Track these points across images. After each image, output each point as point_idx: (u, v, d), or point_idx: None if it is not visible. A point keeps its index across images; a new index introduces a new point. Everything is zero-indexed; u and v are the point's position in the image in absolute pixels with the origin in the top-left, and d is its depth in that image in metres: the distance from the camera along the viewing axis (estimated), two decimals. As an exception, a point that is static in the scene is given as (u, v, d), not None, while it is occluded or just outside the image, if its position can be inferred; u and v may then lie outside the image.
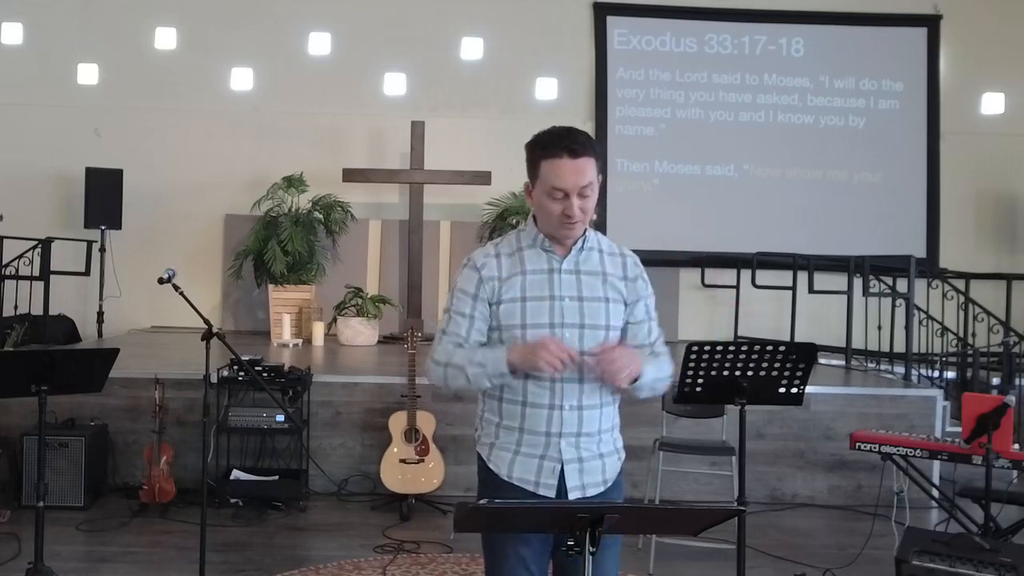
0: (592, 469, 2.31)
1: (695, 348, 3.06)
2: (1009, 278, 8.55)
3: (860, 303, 7.32)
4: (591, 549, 1.92)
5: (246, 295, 9.04)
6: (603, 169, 2.32)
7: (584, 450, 2.30)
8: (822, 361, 7.38)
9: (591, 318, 2.28)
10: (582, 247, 2.33)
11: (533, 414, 2.28)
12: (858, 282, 7.27)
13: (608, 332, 2.30)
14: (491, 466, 2.34)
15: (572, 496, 2.28)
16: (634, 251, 2.45)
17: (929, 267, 8.54)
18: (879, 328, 7.21)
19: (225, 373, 5.29)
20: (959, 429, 4.06)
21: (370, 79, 9.29)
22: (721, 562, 4.39)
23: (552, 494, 2.27)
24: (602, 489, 2.33)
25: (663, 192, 9.36)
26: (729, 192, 9.40)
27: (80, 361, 3.85)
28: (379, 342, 8.19)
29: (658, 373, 2.34)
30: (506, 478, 2.31)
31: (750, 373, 3.07)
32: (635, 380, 2.25)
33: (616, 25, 9.49)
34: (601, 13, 9.49)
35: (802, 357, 3.08)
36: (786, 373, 3.08)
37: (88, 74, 9.11)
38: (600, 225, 8.82)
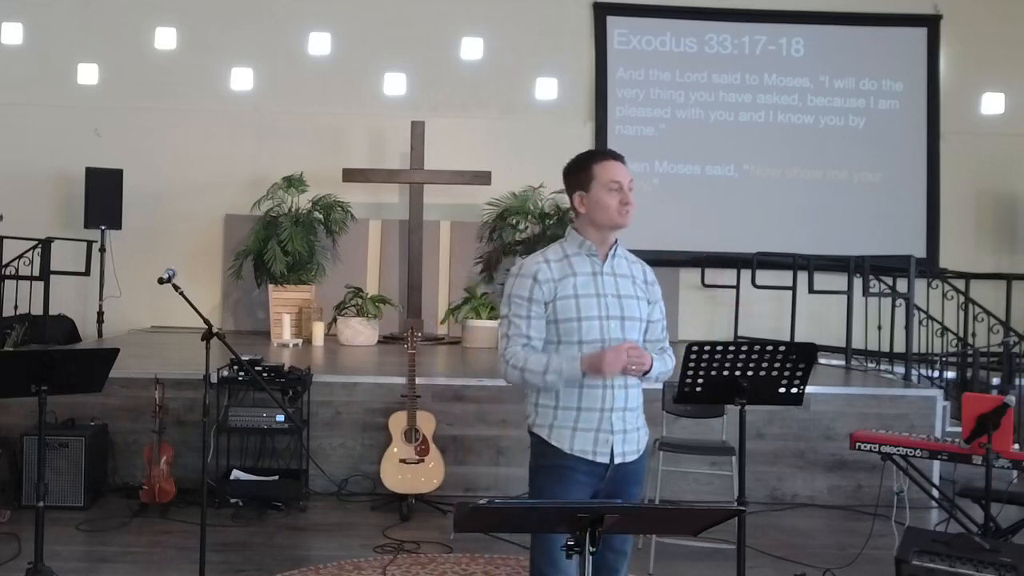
0: (631, 439, 2.74)
1: (695, 348, 3.06)
2: (1009, 278, 8.55)
3: (860, 303, 7.32)
4: (591, 549, 1.93)
5: (246, 295, 9.04)
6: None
7: (628, 423, 2.73)
8: (822, 361, 7.38)
9: (628, 311, 2.73)
10: (614, 254, 2.79)
11: (589, 394, 2.69)
12: (858, 282, 7.27)
13: (641, 323, 2.76)
14: (553, 443, 2.70)
15: (616, 461, 2.70)
16: (634, 251, 2.86)
17: (929, 267, 8.54)
18: (879, 328, 7.21)
19: (225, 373, 5.29)
20: (959, 429, 4.06)
21: (370, 79, 9.29)
22: (721, 562, 4.39)
23: (607, 460, 2.69)
24: (635, 457, 2.75)
25: (663, 192, 9.36)
26: (729, 192, 9.40)
27: (80, 361, 3.85)
28: (379, 342, 8.19)
29: (663, 367, 2.79)
30: (568, 451, 2.69)
31: (750, 373, 3.07)
32: (646, 372, 2.70)
33: (616, 25, 9.49)
34: (601, 13, 9.49)
35: (802, 357, 3.08)
36: (786, 373, 3.09)
37: (88, 74, 9.11)
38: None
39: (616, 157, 2.80)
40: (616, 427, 2.69)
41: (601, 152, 2.84)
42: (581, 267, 2.74)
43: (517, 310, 2.72)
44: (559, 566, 2.59)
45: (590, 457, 2.68)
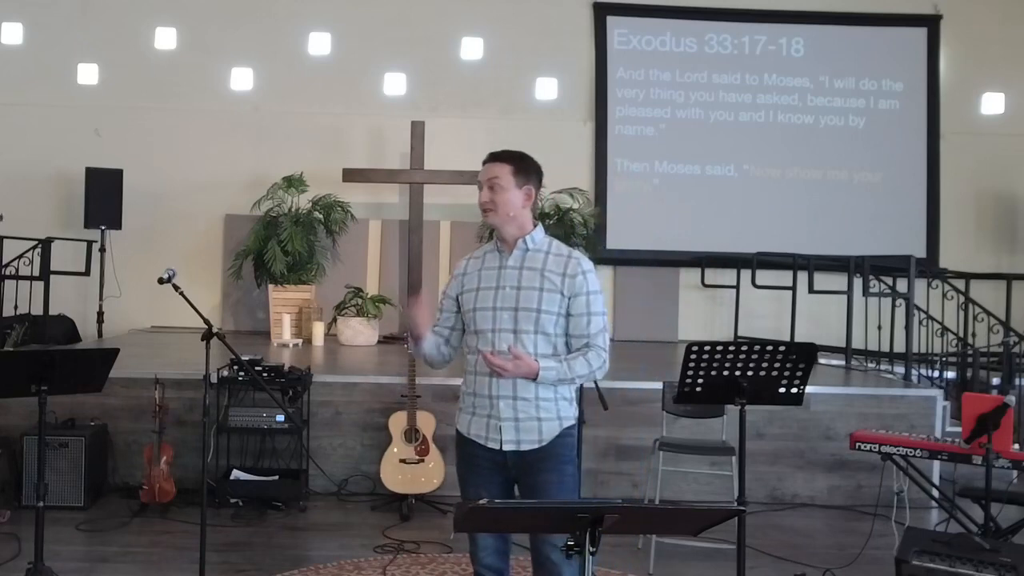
0: (528, 428, 2.79)
1: (695, 348, 3.07)
2: (1009, 278, 8.54)
3: (860, 303, 7.32)
4: (591, 549, 1.93)
5: (246, 295, 9.04)
6: (534, 184, 2.93)
7: (521, 411, 2.78)
8: (822, 361, 7.38)
9: (524, 303, 2.79)
10: (527, 248, 2.86)
11: (479, 380, 2.83)
12: (858, 282, 7.27)
13: (539, 315, 2.78)
14: (459, 427, 2.91)
15: (507, 448, 2.78)
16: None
17: (929, 267, 8.54)
18: (879, 328, 7.21)
19: (225, 373, 5.29)
20: (959, 429, 4.07)
21: (370, 79, 9.29)
22: (721, 562, 4.39)
23: (497, 446, 2.79)
24: (536, 446, 2.79)
25: (663, 192, 9.36)
26: (729, 192, 9.40)
27: (80, 361, 3.86)
28: (379, 342, 8.19)
29: (567, 374, 2.75)
30: (466, 435, 2.87)
31: (750, 373, 3.07)
32: (534, 378, 2.73)
33: (616, 25, 9.49)
34: (601, 13, 9.49)
35: (802, 357, 3.09)
36: (786, 373, 3.09)
37: (88, 74, 9.11)
38: (600, 225, 8.83)
39: (491, 156, 2.89)
40: (505, 414, 2.77)
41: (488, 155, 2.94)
42: (491, 262, 2.90)
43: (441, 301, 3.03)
44: (479, 543, 2.82)
45: (482, 442, 2.81)
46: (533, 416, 2.77)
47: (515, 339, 2.76)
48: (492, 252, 2.93)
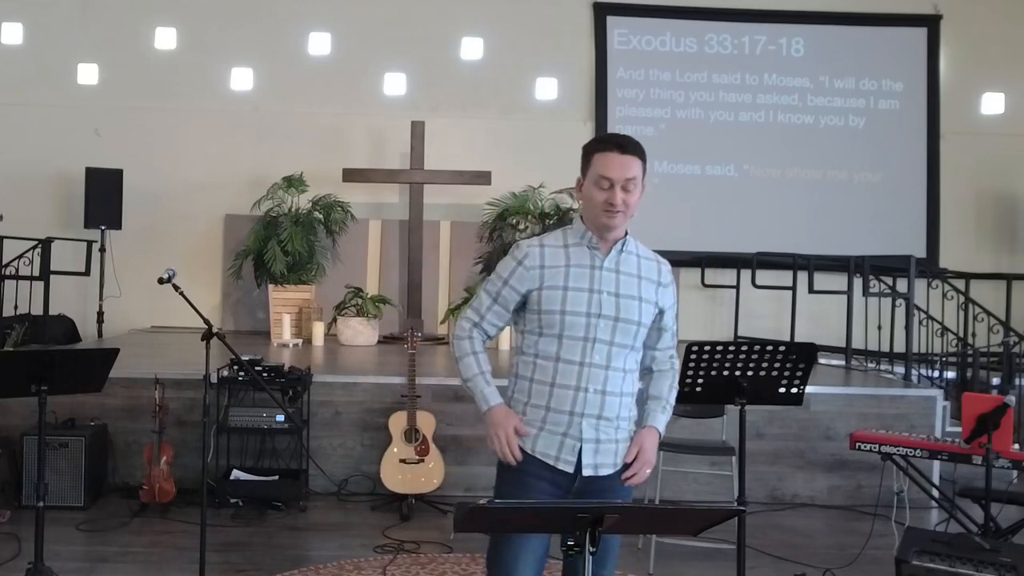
0: (607, 451, 2.50)
1: (695, 348, 3.06)
2: (1009, 278, 8.55)
3: (860, 303, 7.32)
4: (591, 549, 1.93)
5: (246, 295, 9.04)
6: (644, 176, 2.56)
7: (602, 432, 2.49)
8: (822, 361, 7.38)
9: (625, 312, 2.48)
10: (622, 249, 2.54)
11: (560, 394, 2.48)
12: (858, 282, 7.27)
13: (639, 328, 2.51)
14: (518, 440, 2.51)
15: (585, 472, 2.47)
16: None
17: (929, 267, 8.54)
18: (879, 328, 7.21)
19: (225, 373, 5.29)
20: (959, 429, 4.07)
21: (370, 79, 9.29)
22: (721, 562, 4.39)
23: (571, 469, 2.47)
24: (611, 471, 2.51)
25: (663, 192, 9.35)
26: (729, 192, 9.40)
27: (80, 361, 3.86)
28: (379, 342, 8.19)
29: (670, 413, 2.62)
30: (531, 452, 2.50)
31: (750, 373, 3.07)
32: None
33: (616, 25, 9.49)
34: (601, 13, 9.49)
35: (802, 357, 3.09)
36: (786, 373, 3.09)
37: (88, 74, 9.11)
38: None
39: (621, 148, 2.46)
40: (587, 435, 2.46)
41: (608, 140, 2.52)
42: (579, 259, 2.50)
43: (490, 287, 2.57)
44: (519, 571, 2.51)
45: (552, 463, 2.48)
46: (612, 438, 2.49)
47: (608, 352, 2.46)
48: (579, 248, 2.51)
